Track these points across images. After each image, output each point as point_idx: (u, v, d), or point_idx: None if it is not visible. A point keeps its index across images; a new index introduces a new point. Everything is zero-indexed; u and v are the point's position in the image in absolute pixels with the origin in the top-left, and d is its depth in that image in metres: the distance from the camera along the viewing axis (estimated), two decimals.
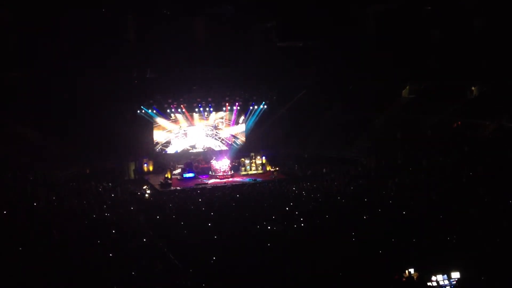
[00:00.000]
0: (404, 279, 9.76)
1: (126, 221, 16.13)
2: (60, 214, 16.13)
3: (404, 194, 18.64)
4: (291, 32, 34.47)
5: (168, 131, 31.67)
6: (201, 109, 31.77)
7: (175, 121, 31.62)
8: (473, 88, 30.97)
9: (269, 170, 30.53)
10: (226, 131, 32.87)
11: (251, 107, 32.83)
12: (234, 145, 32.99)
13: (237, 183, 27.59)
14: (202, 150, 32.33)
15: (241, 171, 30.44)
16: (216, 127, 32.60)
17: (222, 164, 29.55)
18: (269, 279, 10.55)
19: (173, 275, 11.16)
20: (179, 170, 29.95)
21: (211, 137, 32.66)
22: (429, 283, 9.60)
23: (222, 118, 32.63)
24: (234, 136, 33.12)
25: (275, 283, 10.48)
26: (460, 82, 31.10)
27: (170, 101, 31.04)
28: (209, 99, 31.95)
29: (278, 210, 17.31)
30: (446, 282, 9.62)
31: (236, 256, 11.85)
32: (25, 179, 22.06)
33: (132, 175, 29.91)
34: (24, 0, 28.26)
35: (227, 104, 32.27)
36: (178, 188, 26.64)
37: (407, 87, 33.69)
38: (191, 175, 29.32)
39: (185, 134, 32.08)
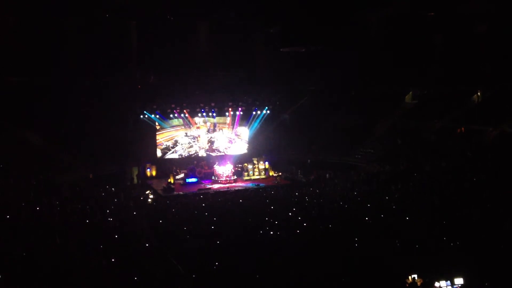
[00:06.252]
0: (407, 285, 9.74)
1: (129, 226, 16.12)
2: (63, 219, 16.14)
3: (407, 200, 18.61)
4: (294, 37, 34.53)
5: (171, 136, 31.71)
6: (204, 114, 31.80)
7: (178, 126, 31.65)
8: (476, 94, 30.96)
9: (272, 175, 30.53)
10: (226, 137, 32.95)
11: (254, 112, 32.85)
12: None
13: (240, 188, 27.56)
14: (205, 155, 32.35)
15: (244, 176, 30.41)
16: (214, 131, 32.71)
17: (225, 169, 29.55)
18: (272, 284, 10.53)
19: (175, 280, 11.15)
20: (182, 175, 29.95)
21: (213, 143, 32.72)
22: None
23: (224, 123, 32.69)
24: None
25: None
26: (463, 88, 31.11)
27: (173, 106, 31.10)
28: (212, 104, 32.00)
29: (281, 215, 17.29)
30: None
31: (238, 261, 11.83)
32: (28, 184, 22.11)
33: (135, 180, 29.93)
34: (28, 5, 28.35)
35: (230, 109, 32.30)
36: (181, 193, 26.64)
37: (410, 92, 33.72)
38: (194, 180, 29.31)
39: (188, 139, 32.11)
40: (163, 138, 31.63)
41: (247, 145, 33.44)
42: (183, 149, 31.99)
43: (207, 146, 32.53)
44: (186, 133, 31.99)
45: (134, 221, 17.15)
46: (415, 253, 11.98)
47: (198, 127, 32.12)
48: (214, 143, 32.66)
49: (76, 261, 11.57)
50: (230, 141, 33.12)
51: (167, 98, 31.44)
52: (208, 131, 32.41)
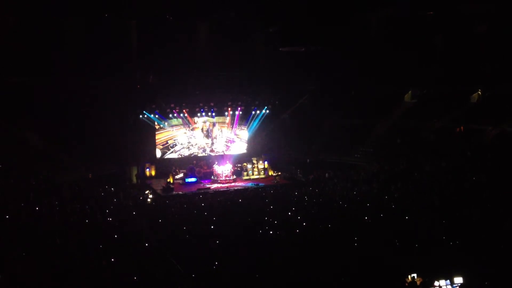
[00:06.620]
0: (407, 284, 9.75)
1: (128, 225, 16.12)
2: (63, 219, 16.14)
3: (407, 199, 18.62)
4: (294, 37, 34.52)
5: (170, 136, 31.71)
6: (203, 113, 31.79)
7: (177, 125, 31.64)
8: (475, 93, 30.93)
9: (272, 175, 30.54)
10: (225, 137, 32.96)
11: (253, 112, 32.85)
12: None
13: (239, 188, 27.57)
14: (204, 155, 32.34)
15: (244, 176, 30.42)
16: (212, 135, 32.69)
17: (224, 169, 29.56)
18: (271, 284, 10.54)
19: (175, 280, 11.15)
20: (181, 175, 29.95)
21: (212, 144, 32.71)
22: None
23: (223, 123, 32.68)
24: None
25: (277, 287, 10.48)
26: (463, 87, 31.09)
27: (172, 105, 31.09)
28: (211, 104, 31.98)
29: (280, 215, 17.30)
30: (449, 287, 9.60)
31: (238, 261, 11.83)
32: (28, 184, 22.10)
33: (134, 180, 29.94)
34: (28, 5, 28.34)
35: (229, 108, 32.29)
36: (180, 192, 26.65)
37: (410, 91, 33.65)
38: (193, 179, 29.32)
39: (187, 139, 32.10)
40: (163, 137, 31.58)
41: (247, 144, 33.44)
42: (183, 148, 31.96)
43: (206, 147, 32.51)
44: (185, 133, 31.96)
45: (134, 221, 17.16)
46: (415, 253, 11.99)
47: (194, 128, 32.07)
48: (212, 145, 32.65)
49: (76, 261, 11.57)
50: (231, 141, 33.11)
51: (167, 98, 31.43)
52: (207, 131, 32.39)
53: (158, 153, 31.50)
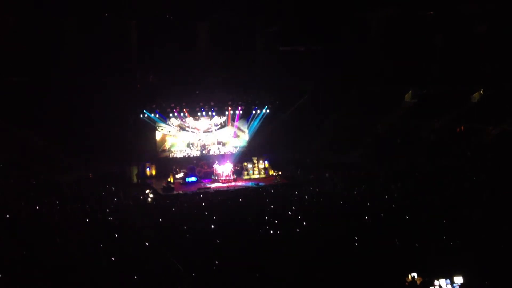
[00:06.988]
0: (407, 283, 9.76)
1: (128, 225, 16.14)
2: (63, 218, 16.15)
3: (407, 199, 18.62)
4: (294, 37, 34.54)
5: (171, 135, 31.70)
6: (204, 113, 31.77)
7: (178, 125, 31.63)
8: (476, 93, 30.95)
9: (272, 175, 30.49)
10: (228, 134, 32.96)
11: (253, 111, 32.82)
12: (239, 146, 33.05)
13: (239, 187, 27.56)
14: (204, 154, 32.31)
15: (244, 176, 30.35)
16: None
17: (224, 169, 29.52)
18: (272, 284, 10.55)
19: (175, 279, 11.15)
20: (181, 174, 29.92)
21: (213, 144, 32.71)
22: None
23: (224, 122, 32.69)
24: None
25: (277, 287, 10.49)
26: (463, 87, 31.11)
27: (172, 105, 31.06)
28: (212, 103, 31.95)
29: (281, 214, 17.30)
30: (449, 286, 9.60)
31: (238, 260, 11.84)
32: (28, 184, 22.13)
33: (135, 179, 29.91)
34: (28, 5, 28.38)
35: (229, 108, 32.26)
36: (181, 192, 26.63)
37: (410, 91, 33.68)
38: (193, 179, 29.28)
39: (187, 138, 32.10)
40: (162, 137, 31.61)
41: (247, 144, 33.40)
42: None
43: (209, 146, 32.54)
44: (184, 129, 31.96)
45: (134, 220, 17.18)
46: (415, 252, 12.00)
47: (195, 127, 32.05)
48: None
49: (76, 261, 11.58)
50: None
51: (167, 98, 31.41)
52: (209, 130, 32.40)
53: (159, 153, 31.50)
